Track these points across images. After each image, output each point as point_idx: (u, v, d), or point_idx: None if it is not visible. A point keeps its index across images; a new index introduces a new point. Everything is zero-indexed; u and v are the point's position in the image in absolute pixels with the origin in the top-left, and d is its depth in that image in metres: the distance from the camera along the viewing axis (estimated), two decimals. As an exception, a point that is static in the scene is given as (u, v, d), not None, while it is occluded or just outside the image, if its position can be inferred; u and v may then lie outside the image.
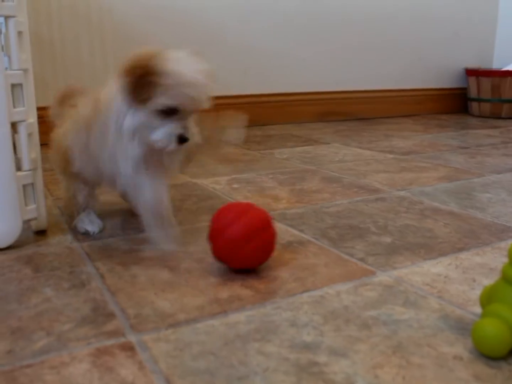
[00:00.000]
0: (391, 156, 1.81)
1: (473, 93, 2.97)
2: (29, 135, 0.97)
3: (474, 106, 2.99)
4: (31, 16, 1.00)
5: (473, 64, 3.11)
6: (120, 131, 0.87)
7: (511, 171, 1.55)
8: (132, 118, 0.86)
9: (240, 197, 1.27)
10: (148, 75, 0.81)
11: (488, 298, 0.65)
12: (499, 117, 2.87)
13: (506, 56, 3.06)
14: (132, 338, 0.65)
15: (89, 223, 1.04)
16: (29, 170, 0.97)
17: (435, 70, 3.04)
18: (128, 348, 0.62)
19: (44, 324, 0.68)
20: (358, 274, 0.83)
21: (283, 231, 1.03)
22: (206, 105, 0.87)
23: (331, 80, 2.70)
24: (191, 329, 0.67)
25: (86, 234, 1.02)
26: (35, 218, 1.00)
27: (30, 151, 0.96)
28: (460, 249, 0.94)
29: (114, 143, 0.88)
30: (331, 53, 2.69)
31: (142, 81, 0.81)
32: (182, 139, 0.86)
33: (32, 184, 0.98)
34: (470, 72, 2.96)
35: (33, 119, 0.98)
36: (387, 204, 1.22)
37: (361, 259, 0.89)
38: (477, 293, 0.76)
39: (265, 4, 2.47)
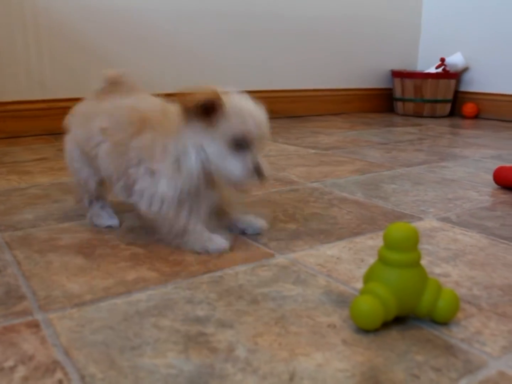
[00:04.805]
0: (313, 151, 1.88)
1: (398, 93, 3.09)
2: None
3: (399, 105, 3.11)
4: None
5: (399, 66, 3.23)
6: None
7: (420, 165, 1.64)
8: (208, 146, 0.86)
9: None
10: (214, 101, 0.82)
11: (367, 277, 0.72)
12: (421, 116, 3.01)
13: (429, 59, 3.19)
14: (38, 316, 0.68)
15: (109, 218, 1.04)
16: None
17: (364, 71, 3.15)
18: (34, 326, 0.66)
19: (-45, 307, 0.70)
20: (258, 257, 0.88)
21: (198, 220, 1.08)
22: (268, 140, 0.88)
23: (263, 79, 2.76)
24: (95, 307, 0.71)
25: (109, 228, 1.02)
26: (-43, 210, 1.01)
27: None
28: (357, 234, 1.01)
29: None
30: (262, 52, 2.74)
31: (207, 106, 0.82)
32: (259, 173, 0.85)
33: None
34: (396, 74, 3.08)
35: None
36: (299, 194, 1.28)
37: (264, 244, 0.94)
38: (362, 271, 0.83)
39: (197, 4, 2.50)
